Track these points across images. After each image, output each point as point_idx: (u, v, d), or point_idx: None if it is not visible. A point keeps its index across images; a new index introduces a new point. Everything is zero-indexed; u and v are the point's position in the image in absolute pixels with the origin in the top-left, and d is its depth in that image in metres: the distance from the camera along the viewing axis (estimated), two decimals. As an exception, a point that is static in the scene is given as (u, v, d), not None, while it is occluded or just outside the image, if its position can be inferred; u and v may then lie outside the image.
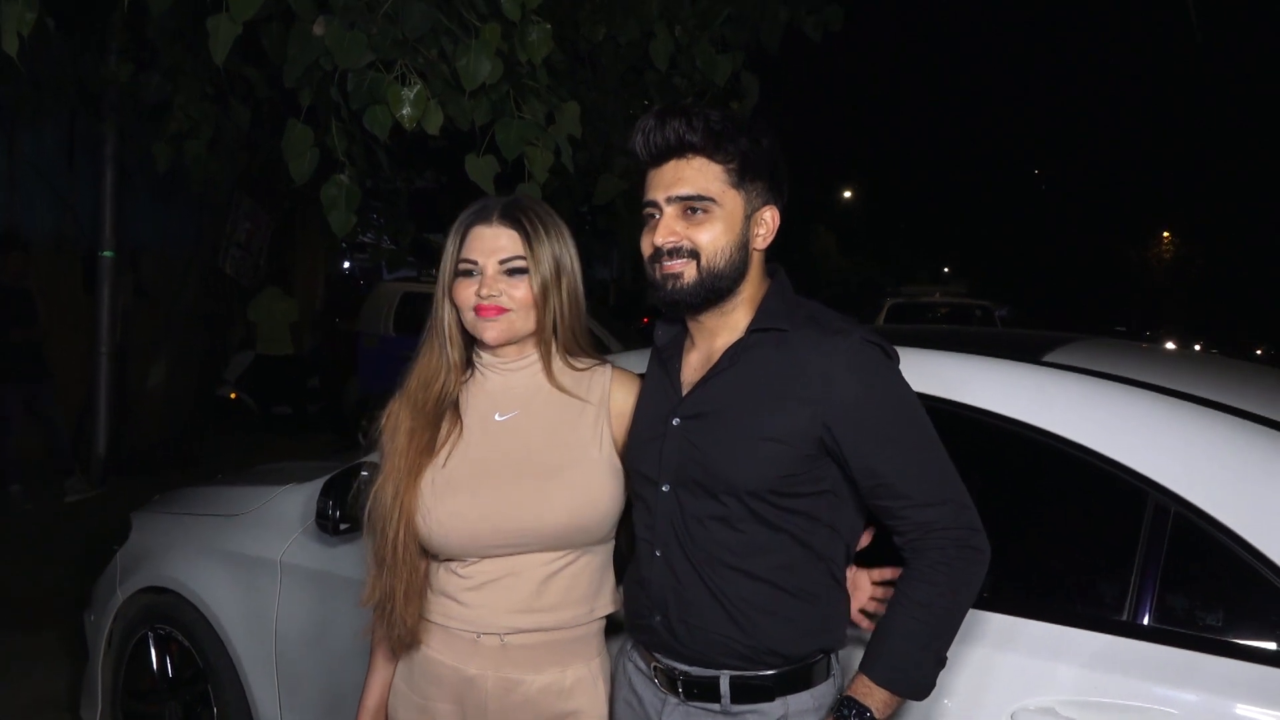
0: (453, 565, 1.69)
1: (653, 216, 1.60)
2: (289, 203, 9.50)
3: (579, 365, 1.75)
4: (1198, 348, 14.17)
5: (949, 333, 2.87)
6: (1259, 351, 17.20)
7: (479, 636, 1.66)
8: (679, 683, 1.59)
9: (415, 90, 2.93)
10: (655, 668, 1.64)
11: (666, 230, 1.57)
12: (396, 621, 1.68)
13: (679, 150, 1.57)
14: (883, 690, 1.47)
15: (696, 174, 1.57)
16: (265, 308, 9.82)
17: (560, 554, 1.67)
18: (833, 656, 1.61)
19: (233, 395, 9.89)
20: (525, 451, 1.68)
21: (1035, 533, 1.86)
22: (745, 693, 1.55)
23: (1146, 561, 1.66)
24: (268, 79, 4.36)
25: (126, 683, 3.15)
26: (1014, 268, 30.06)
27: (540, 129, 3.18)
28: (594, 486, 1.68)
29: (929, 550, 1.48)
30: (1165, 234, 30.80)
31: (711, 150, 1.57)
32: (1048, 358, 2.02)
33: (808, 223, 27.45)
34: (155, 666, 3.06)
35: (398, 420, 1.71)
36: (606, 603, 1.73)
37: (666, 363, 1.69)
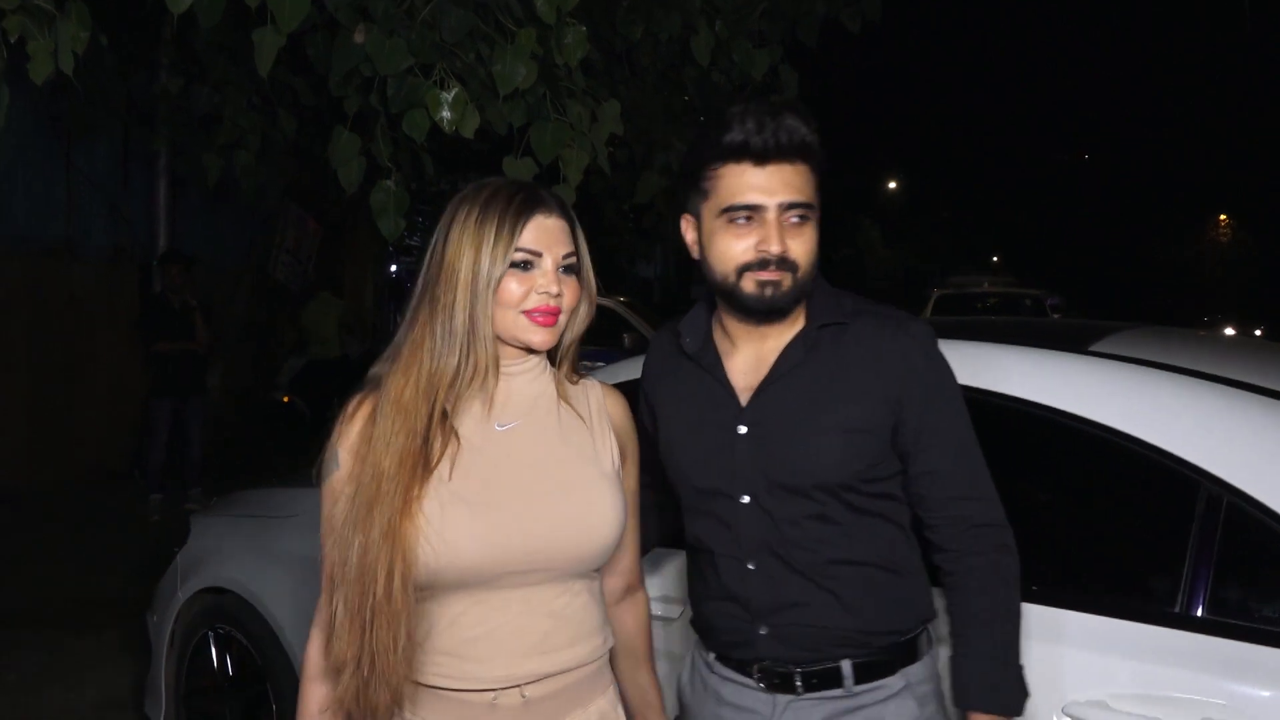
0: (451, 613, 1.42)
1: (746, 219, 1.52)
2: (337, 209, 9.65)
3: (573, 378, 1.59)
4: (1258, 333, 13.80)
5: (994, 324, 2.84)
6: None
7: (495, 696, 1.41)
8: (796, 678, 1.57)
9: (454, 93, 2.97)
10: (759, 673, 1.60)
11: (776, 239, 1.50)
12: (377, 684, 1.36)
13: (791, 153, 1.50)
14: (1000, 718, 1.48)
15: (805, 181, 1.53)
16: (317, 313, 9.97)
17: (569, 583, 1.47)
18: (929, 627, 1.62)
19: (285, 399, 10.06)
20: (536, 466, 1.48)
21: (1087, 525, 1.84)
22: (868, 671, 1.55)
23: (1199, 552, 1.63)
24: (313, 87, 4.44)
25: (189, 681, 3.22)
26: (1064, 256, 29.50)
27: (574, 131, 3.21)
28: (611, 505, 1.50)
29: (973, 554, 1.50)
30: (1222, 217, 30.05)
31: (812, 155, 1.53)
32: (1095, 347, 2.00)
33: (853, 216, 27.20)
34: (216, 665, 3.13)
35: (386, 437, 1.40)
36: (610, 631, 1.57)
37: (710, 369, 1.63)
